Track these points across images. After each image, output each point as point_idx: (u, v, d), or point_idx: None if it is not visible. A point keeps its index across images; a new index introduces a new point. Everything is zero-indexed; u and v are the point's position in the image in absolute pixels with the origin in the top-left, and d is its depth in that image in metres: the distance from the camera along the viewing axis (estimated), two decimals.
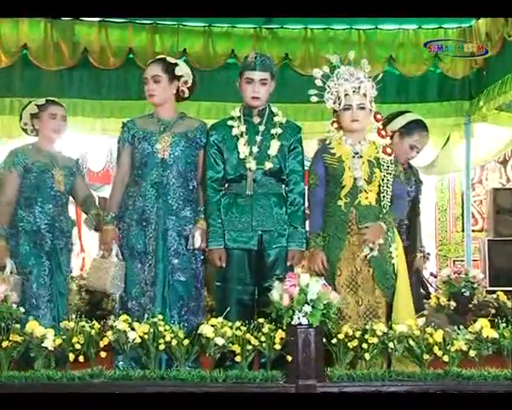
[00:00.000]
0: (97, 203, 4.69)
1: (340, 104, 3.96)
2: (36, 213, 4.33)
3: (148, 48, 6.87)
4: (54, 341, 3.38)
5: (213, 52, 6.90)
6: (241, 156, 4.00)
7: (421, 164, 6.51)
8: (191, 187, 4.10)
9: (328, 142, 4.06)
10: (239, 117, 4.07)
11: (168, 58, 4.23)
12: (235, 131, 4.04)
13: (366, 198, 3.94)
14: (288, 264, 3.98)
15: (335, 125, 4.04)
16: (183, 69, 4.17)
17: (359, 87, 3.94)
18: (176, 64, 4.16)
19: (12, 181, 4.35)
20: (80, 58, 6.74)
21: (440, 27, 6.93)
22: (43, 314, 4.20)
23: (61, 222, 4.40)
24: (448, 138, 7.44)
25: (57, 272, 4.37)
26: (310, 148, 5.30)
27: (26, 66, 6.71)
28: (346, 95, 3.94)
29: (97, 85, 6.95)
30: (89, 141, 7.97)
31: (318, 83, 4.00)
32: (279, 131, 4.03)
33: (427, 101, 7.11)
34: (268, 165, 3.99)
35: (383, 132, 4.05)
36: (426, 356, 3.39)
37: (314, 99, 4.03)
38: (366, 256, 3.86)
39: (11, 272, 4.18)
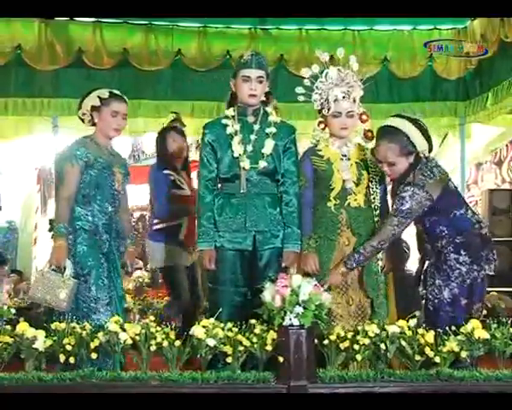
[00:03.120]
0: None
1: (328, 110, 3.95)
2: (94, 212, 4.10)
3: (142, 48, 6.87)
4: (44, 342, 3.38)
5: (208, 52, 6.91)
6: (235, 155, 3.97)
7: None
8: None
9: (315, 143, 4.06)
10: (233, 116, 4.05)
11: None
12: (229, 130, 4.01)
13: (355, 200, 3.95)
14: (283, 265, 3.95)
15: (322, 125, 4.03)
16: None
17: (349, 92, 3.93)
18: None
19: (74, 176, 4.07)
20: (74, 58, 6.73)
21: (435, 28, 6.94)
22: (102, 318, 3.92)
23: (117, 223, 4.20)
24: (444, 139, 7.45)
25: (115, 274, 4.17)
26: (303, 148, 5.29)
27: (19, 66, 6.70)
28: (335, 100, 3.93)
29: (92, 85, 6.92)
30: None
31: (306, 82, 4.00)
32: (273, 130, 4.01)
33: (420, 101, 7.12)
34: (262, 164, 3.96)
35: (369, 134, 4.04)
36: (417, 357, 3.38)
37: (301, 99, 4.03)
38: None
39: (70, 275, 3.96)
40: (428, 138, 3.82)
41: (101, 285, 4.05)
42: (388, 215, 3.79)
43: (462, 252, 3.73)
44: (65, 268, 3.96)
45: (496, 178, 9.08)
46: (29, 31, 6.66)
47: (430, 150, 3.83)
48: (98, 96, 4.19)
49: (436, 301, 3.74)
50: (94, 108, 4.19)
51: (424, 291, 3.96)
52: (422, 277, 4.01)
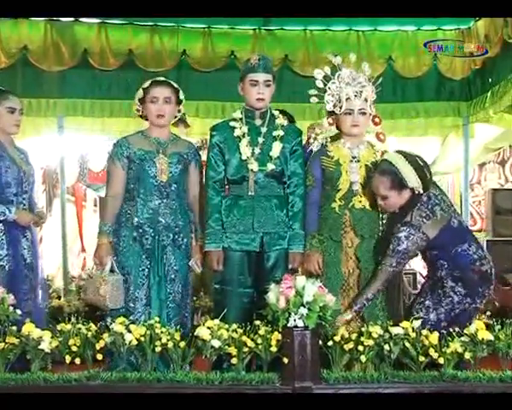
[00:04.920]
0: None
1: (340, 108, 3.97)
2: (138, 207, 4.03)
3: (147, 49, 6.88)
4: (50, 343, 3.40)
5: (213, 53, 6.91)
6: (243, 158, 4.01)
7: None
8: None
9: (324, 143, 4.07)
10: (241, 119, 4.08)
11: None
12: (237, 133, 4.04)
13: (360, 202, 3.96)
14: (290, 266, 3.99)
15: (330, 120, 4.03)
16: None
17: (361, 92, 3.96)
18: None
19: (117, 174, 4.09)
20: (80, 59, 6.75)
21: (439, 29, 6.92)
22: (139, 320, 3.80)
23: (165, 216, 4.05)
24: (444, 140, 7.46)
25: (155, 272, 4.03)
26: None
27: (25, 67, 6.71)
28: (347, 99, 3.95)
29: (97, 85, 6.96)
30: (89, 141, 8.00)
31: (319, 84, 4.02)
32: (281, 133, 4.05)
33: (424, 101, 7.13)
34: (270, 166, 4.00)
35: (382, 136, 4.05)
36: (421, 358, 3.39)
37: (314, 100, 4.05)
38: None
39: (111, 271, 3.92)
40: (423, 176, 3.79)
41: (139, 284, 3.99)
42: (385, 255, 3.80)
43: (459, 283, 3.77)
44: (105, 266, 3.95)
45: (499, 177, 9.08)
46: (35, 32, 6.66)
47: (425, 189, 3.80)
48: (142, 88, 4.13)
49: (419, 320, 3.68)
50: (141, 101, 4.16)
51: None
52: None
